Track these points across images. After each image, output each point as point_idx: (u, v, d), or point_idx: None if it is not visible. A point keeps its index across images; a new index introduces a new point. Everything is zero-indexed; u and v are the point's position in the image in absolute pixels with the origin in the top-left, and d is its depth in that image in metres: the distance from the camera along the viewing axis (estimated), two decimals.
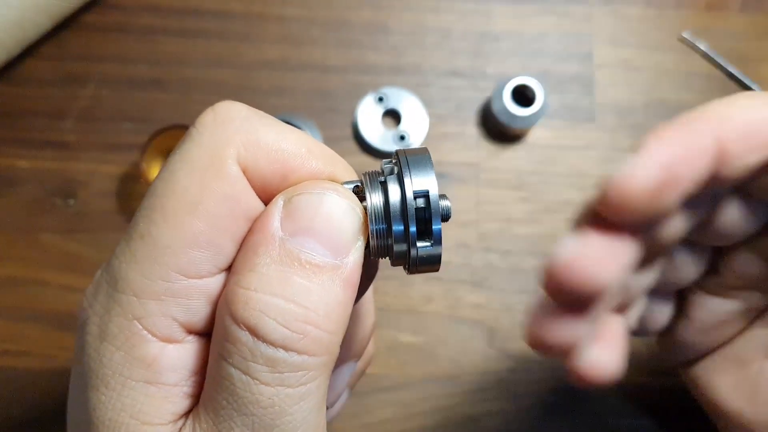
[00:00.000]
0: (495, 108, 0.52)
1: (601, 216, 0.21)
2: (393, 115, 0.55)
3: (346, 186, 0.22)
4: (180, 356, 0.21)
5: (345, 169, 0.23)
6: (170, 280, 0.20)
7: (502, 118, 0.52)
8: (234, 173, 0.21)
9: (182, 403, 0.21)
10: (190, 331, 0.21)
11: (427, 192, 0.21)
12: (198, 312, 0.21)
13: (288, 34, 0.55)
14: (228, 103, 0.22)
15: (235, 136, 0.21)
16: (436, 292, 0.50)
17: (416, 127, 0.54)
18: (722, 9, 0.58)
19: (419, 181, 0.21)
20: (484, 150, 0.54)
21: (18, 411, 0.46)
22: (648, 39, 0.57)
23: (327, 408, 0.26)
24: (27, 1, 0.49)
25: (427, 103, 0.54)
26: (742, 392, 0.30)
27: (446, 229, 0.51)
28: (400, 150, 0.23)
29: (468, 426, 0.47)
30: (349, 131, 0.54)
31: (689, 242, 0.28)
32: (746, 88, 0.55)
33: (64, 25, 0.54)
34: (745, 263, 0.28)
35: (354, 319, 0.28)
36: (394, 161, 0.23)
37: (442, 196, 0.22)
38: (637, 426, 0.46)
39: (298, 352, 0.19)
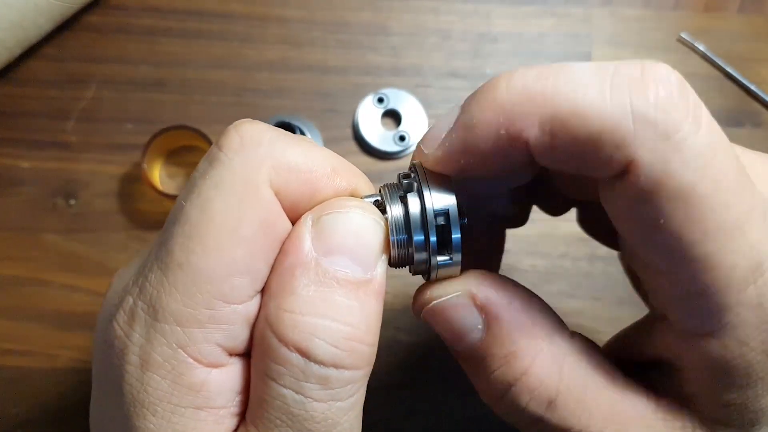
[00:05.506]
0: None
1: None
2: (393, 116, 0.55)
3: (367, 200, 0.23)
4: (226, 379, 0.21)
5: (366, 183, 0.24)
6: (214, 307, 0.21)
7: None
8: (268, 198, 0.21)
9: (231, 423, 0.22)
10: (231, 354, 0.22)
11: (447, 210, 0.22)
12: (239, 335, 0.21)
13: (289, 35, 0.55)
14: (249, 124, 0.22)
15: (266, 160, 0.21)
16: None
17: (416, 128, 0.54)
18: (720, 10, 0.58)
19: (439, 196, 0.22)
20: None
21: (19, 410, 0.47)
22: (646, 40, 0.57)
23: None
24: (28, 2, 0.49)
25: (427, 104, 0.54)
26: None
27: None
28: (417, 163, 0.24)
29: (468, 426, 0.47)
30: (349, 132, 0.54)
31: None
32: (744, 88, 0.56)
33: (66, 26, 0.54)
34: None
35: None
36: (412, 174, 0.24)
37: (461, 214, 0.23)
38: None
39: (347, 368, 0.20)
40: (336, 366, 0.20)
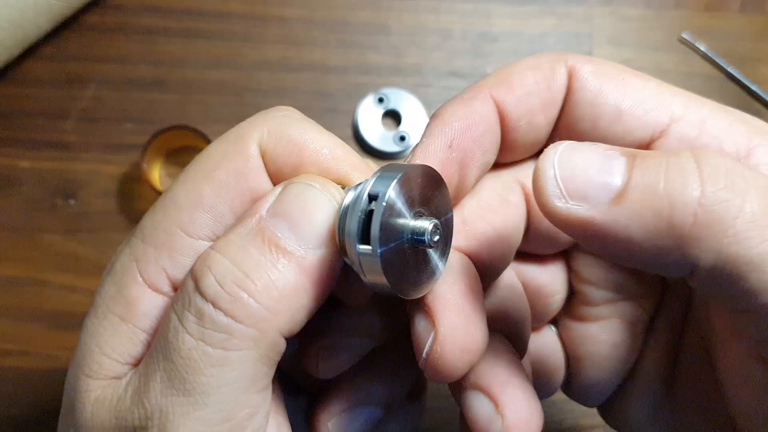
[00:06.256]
0: None
1: None
2: (393, 116, 0.55)
3: (345, 190, 0.22)
4: (157, 306, 0.22)
5: (361, 175, 0.23)
6: (170, 233, 0.22)
7: None
8: (251, 152, 0.23)
9: (142, 350, 0.22)
10: (174, 289, 0.22)
11: (377, 193, 0.20)
12: (185, 270, 0.22)
13: (288, 34, 0.55)
14: (282, 106, 0.25)
15: (266, 123, 0.23)
16: None
17: (416, 128, 0.54)
18: (722, 10, 0.58)
19: (378, 185, 0.20)
20: None
21: (18, 410, 0.47)
22: (648, 40, 0.57)
23: None
24: (27, 2, 0.49)
25: (427, 104, 0.54)
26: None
27: None
28: (390, 163, 0.23)
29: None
30: (349, 132, 0.54)
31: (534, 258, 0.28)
32: (745, 88, 0.56)
33: (65, 26, 0.54)
34: (587, 264, 0.28)
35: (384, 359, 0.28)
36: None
37: (429, 220, 0.21)
38: None
39: (225, 313, 0.20)
40: (214, 304, 0.20)
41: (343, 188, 0.23)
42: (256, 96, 0.54)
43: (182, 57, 0.54)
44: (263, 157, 0.23)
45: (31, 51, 0.53)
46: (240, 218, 0.22)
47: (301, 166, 0.23)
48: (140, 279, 0.22)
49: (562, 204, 0.19)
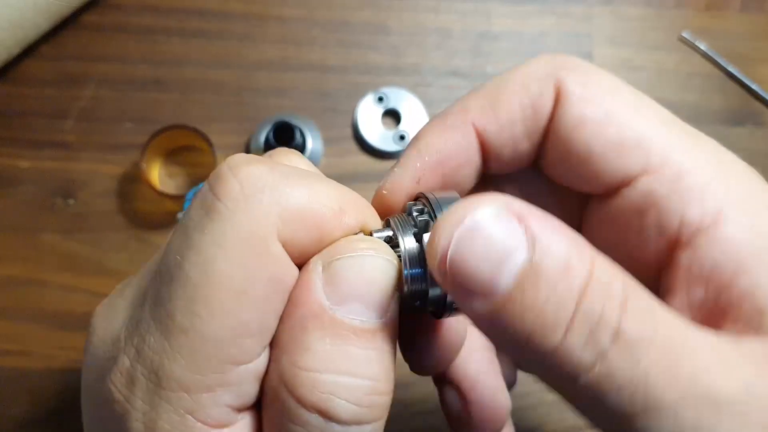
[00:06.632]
0: None
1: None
2: (393, 115, 0.55)
3: (377, 236, 0.22)
4: None
5: (373, 215, 0.23)
6: (223, 371, 0.19)
7: None
8: (277, 253, 0.20)
9: None
10: (240, 410, 0.21)
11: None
12: (249, 392, 0.20)
13: (288, 34, 0.55)
14: (247, 166, 0.20)
15: (272, 209, 0.19)
16: None
17: (416, 127, 0.54)
18: (722, 9, 0.58)
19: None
20: None
21: (18, 411, 0.46)
22: (648, 39, 0.57)
23: None
24: (27, 1, 0.49)
25: (427, 103, 0.54)
26: None
27: None
28: (428, 193, 0.23)
29: None
30: (349, 131, 0.54)
31: None
32: (746, 87, 0.55)
33: (64, 25, 0.54)
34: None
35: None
36: (423, 204, 0.23)
37: None
38: None
39: (369, 423, 0.19)
40: (359, 423, 0.19)
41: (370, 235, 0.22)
42: (256, 96, 0.54)
43: (182, 57, 0.54)
44: (285, 246, 0.20)
45: (30, 51, 0.53)
46: (294, 321, 0.20)
47: (326, 236, 0.21)
48: (206, 427, 0.20)
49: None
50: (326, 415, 0.19)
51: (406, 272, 0.21)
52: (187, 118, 0.52)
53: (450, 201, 0.22)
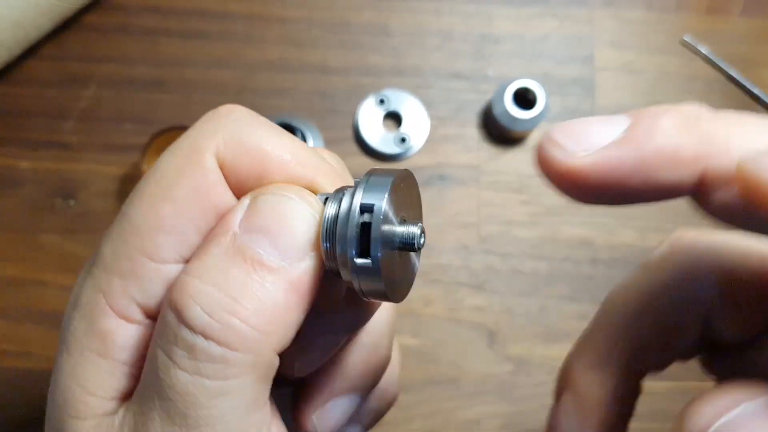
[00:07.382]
0: (496, 111, 0.52)
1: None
2: (394, 117, 0.55)
3: (319, 197, 0.22)
4: (133, 336, 0.21)
5: (330, 181, 0.23)
6: (134, 260, 0.21)
7: (503, 121, 0.52)
8: (209, 166, 0.21)
9: (127, 383, 0.21)
10: (148, 315, 0.22)
11: (372, 205, 0.20)
12: (156, 296, 0.21)
13: (289, 35, 0.55)
14: (230, 105, 0.23)
15: (219, 130, 0.22)
16: (435, 295, 0.50)
17: (417, 129, 0.54)
18: (723, 12, 0.58)
19: (369, 196, 0.20)
20: (485, 152, 0.54)
21: (18, 411, 0.46)
22: (649, 42, 0.57)
23: None
24: (28, 2, 0.49)
25: (428, 105, 0.54)
26: None
27: (447, 231, 0.52)
28: (372, 169, 0.22)
29: (468, 428, 0.47)
30: (349, 133, 0.54)
31: None
32: (747, 91, 0.55)
33: (65, 26, 0.54)
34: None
35: (357, 349, 0.28)
36: (365, 177, 0.22)
37: (416, 225, 0.21)
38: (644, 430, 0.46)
39: (218, 343, 0.19)
40: (205, 336, 0.19)
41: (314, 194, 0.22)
42: (256, 96, 0.54)
43: (182, 57, 0.54)
44: (222, 169, 0.21)
45: (31, 51, 0.53)
46: (208, 237, 0.21)
47: (266, 176, 0.22)
48: (110, 311, 0.21)
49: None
50: (179, 316, 0.19)
51: (322, 242, 0.21)
52: (187, 119, 0.52)
53: (384, 176, 0.21)
